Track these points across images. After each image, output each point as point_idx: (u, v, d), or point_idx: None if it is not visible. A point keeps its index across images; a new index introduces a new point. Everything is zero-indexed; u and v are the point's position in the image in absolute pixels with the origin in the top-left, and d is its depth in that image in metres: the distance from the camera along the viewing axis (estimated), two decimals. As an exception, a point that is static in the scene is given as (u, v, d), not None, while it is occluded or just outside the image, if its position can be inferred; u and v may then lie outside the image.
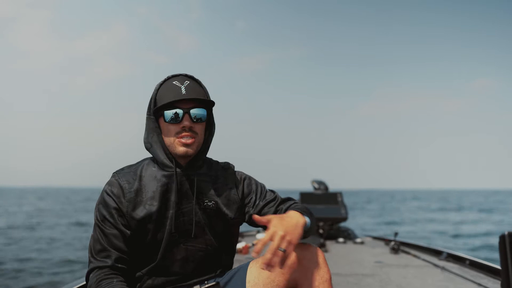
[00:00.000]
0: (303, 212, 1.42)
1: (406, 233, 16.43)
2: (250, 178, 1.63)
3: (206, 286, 1.22)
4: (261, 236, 4.88)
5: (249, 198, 1.57)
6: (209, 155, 1.58)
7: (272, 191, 1.63)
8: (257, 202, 1.57)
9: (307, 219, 1.39)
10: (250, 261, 1.49)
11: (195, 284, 1.39)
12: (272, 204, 1.56)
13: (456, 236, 16.60)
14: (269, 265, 1.20)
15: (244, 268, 1.46)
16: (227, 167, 1.60)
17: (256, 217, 1.32)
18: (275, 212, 1.54)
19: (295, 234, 1.26)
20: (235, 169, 1.63)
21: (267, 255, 1.20)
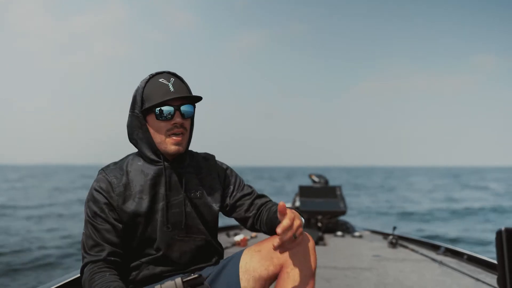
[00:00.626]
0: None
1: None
2: (231, 169, 1.70)
3: (188, 278, 1.22)
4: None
5: (228, 188, 1.64)
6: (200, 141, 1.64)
7: (249, 186, 1.70)
8: (234, 193, 1.64)
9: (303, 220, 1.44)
10: (243, 249, 1.52)
11: (192, 271, 1.45)
12: (248, 197, 1.64)
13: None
14: (281, 246, 1.27)
15: (238, 255, 1.50)
16: (208, 157, 1.66)
17: (280, 206, 1.31)
18: (251, 205, 1.63)
19: (302, 227, 1.34)
20: (216, 159, 1.68)
21: (285, 236, 1.25)
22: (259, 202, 1.63)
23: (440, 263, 3.41)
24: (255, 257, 1.44)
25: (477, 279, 2.87)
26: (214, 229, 1.62)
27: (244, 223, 1.65)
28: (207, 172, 1.60)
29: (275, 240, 1.27)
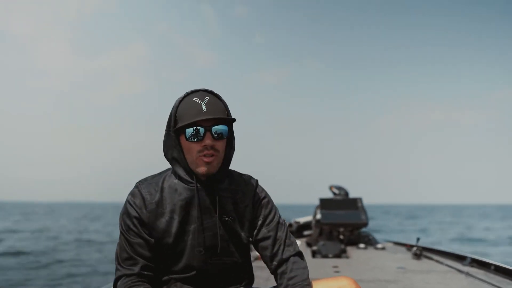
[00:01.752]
0: None
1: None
2: (268, 200, 1.58)
3: None
4: None
5: (257, 220, 1.54)
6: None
7: (281, 223, 1.56)
8: (262, 228, 1.53)
9: None
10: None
11: None
12: (273, 242, 1.51)
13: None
14: None
15: None
16: (248, 182, 1.57)
17: None
18: (274, 256, 1.50)
19: None
20: (258, 184, 1.60)
21: None
22: (282, 257, 1.50)
23: (467, 274, 3.35)
24: None
25: None
26: (246, 253, 1.58)
27: (266, 265, 1.55)
28: (242, 198, 1.52)
29: None
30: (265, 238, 1.52)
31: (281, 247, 1.51)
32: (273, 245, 1.51)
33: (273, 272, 1.53)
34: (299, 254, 1.53)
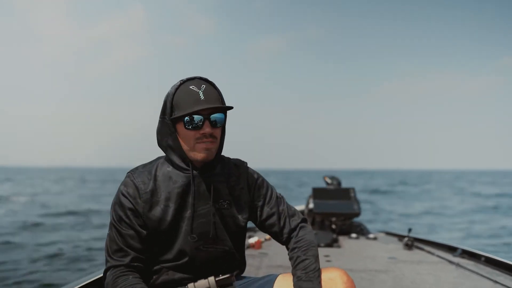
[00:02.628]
0: (313, 273, 1.44)
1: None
2: (262, 179, 1.63)
3: (221, 277, 1.24)
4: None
5: (258, 201, 1.59)
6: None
7: (281, 197, 1.64)
8: (264, 207, 1.59)
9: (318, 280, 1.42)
10: (278, 274, 1.52)
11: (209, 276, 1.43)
12: (279, 216, 1.58)
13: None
14: None
15: (271, 278, 1.50)
16: (239, 165, 1.60)
17: None
18: (282, 228, 1.58)
19: None
20: (248, 166, 1.63)
21: None
22: (290, 227, 1.58)
23: (457, 265, 3.37)
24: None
25: (496, 281, 2.83)
26: (240, 241, 1.59)
27: (275, 238, 1.62)
28: (236, 181, 1.55)
29: None
30: (270, 215, 1.58)
31: (287, 219, 1.59)
32: (279, 219, 1.58)
33: (285, 243, 1.59)
34: (304, 221, 1.62)
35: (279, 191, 1.66)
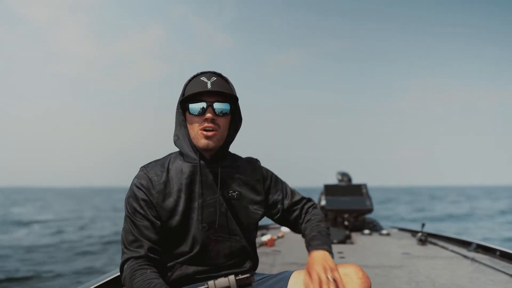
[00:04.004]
0: (323, 243, 1.53)
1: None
2: (276, 176, 1.70)
3: (241, 277, 1.25)
4: (286, 229, 4.92)
5: (277, 195, 1.66)
6: (235, 150, 1.63)
7: (295, 191, 1.74)
8: (284, 200, 1.67)
9: (329, 249, 1.50)
10: (292, 271, 1.52)
11: (229, 274, 1.43)
12: (299, 205, 1.71)
13: None
14: None
15: (286, 275, 1.51)
16: (251, 161, 1.66)
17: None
18: (301, 214, 1.70)
19: (331, 264, 1.40)
20: (260, 164, 1.68)
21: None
22: (306, 209, 1.71)
23: (472, 259, 3.35)
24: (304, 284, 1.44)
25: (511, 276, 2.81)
26: (252, 235, 1.61)
27: (294, 229, 1.73)
28: (249, 174, 1.60)
29: None
30: (292, 205, 1.69)
31: (305, 206, 1.71)
32: (301, 210, 1.70)
33: (299, 226, 1.70)
34: (316, 206, 1.75)
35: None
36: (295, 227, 1.71)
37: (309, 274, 1.40)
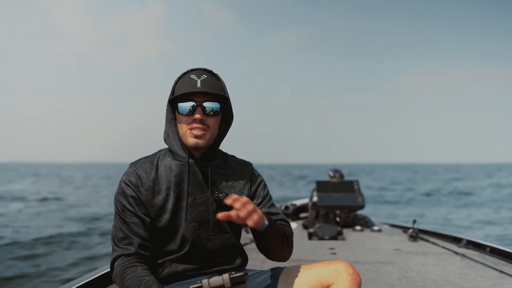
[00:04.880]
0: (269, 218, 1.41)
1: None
2: (265, 183, 1.64)
3: (235, 275, 1.23)
4: None
5: (256, 199, 1.58)
6: (231, 142, 1.61)
7: (275, 205, 1.62)
8: (260, 207, 1.56)
9: (267, 223, 1.37)
10: (284, 267, 1.52)
11: (221, 271, 1.42)
12: (274, 216, 1.55)
13: None
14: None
15: (277, 271, 1.51)
16: (243, 163, 1.63)
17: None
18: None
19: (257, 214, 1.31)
20: (253, 167, 1.64)
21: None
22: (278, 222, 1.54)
23: (463, 255, 3.37)
24: (294, 280, 1.44)
25: (501, 271, 2.84)
26: (238, 233, 1.60)
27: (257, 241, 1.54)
28: (238, 176, 1.57)
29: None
30: (267, 214, 1.51)
31: (280, 220, 1.56)
32: (271, 216, 1.54)
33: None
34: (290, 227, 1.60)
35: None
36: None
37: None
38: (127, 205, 1.45)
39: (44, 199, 19.31)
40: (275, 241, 1.45)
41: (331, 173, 5.85)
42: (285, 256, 1.54)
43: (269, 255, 1.53)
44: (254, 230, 1.40)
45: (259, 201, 1.59)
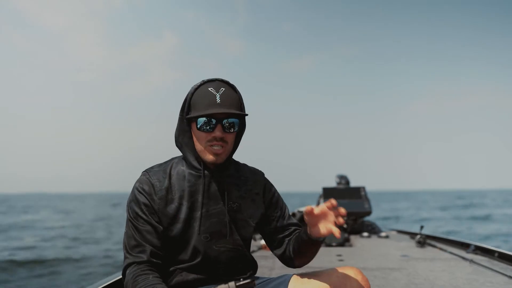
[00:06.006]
0: None
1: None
2: (278, 193, 1.65)
3: (242, 283, 1.23)
4: None
5: (274, 211, 1.60)
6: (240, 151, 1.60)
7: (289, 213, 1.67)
8: (281, 220, 1.59)
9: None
10: (292, 274, 1.52)
11: (229, 280, 1.44)
12: (294, 227, 1.60)
13: None
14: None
15: (285, 278, 1.50)
16: (256, 172, 1.63)
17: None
18: (290, 235, 1.60)
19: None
20: (265, 177, 1.64)
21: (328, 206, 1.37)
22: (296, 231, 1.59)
23: (471, 261, 3.36)
24: (303, 287, 1.44)
25: (510, 277, 2.82)
26: (249, 243, 1.61)
27: (274, 246, 1.62)
28: (251, 186, 1.57)
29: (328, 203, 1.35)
30: (288, 226, 1.60)
31: (298, 230, 1.60)
32: (291, 227, 1.60)
33: (291, 239, 1.60)
34: None
35: None
36: (278, 245, 1.61)
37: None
38: (140, 213, 1.44)
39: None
40: (316, 251, 1.52)
41: (338, 179, 5.86)
42: (307, 263, 1.59)
43: (296, 262, 1.56)
44: (310, 238, 1.44)
45: (278, 214, 1.59)
